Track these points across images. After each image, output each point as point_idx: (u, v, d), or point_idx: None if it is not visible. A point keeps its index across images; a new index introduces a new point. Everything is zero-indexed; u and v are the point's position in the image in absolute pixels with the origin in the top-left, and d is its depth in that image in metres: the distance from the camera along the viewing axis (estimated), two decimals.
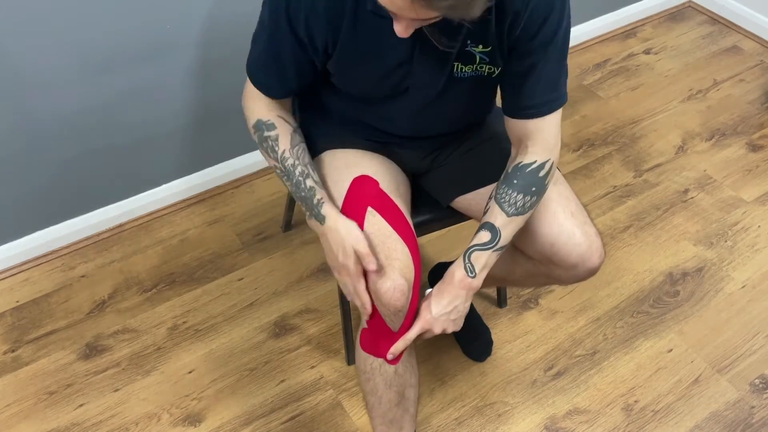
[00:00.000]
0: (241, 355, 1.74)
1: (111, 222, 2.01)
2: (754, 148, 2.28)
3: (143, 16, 1.70)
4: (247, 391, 1.67)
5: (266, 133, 1.26)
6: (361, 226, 1.20)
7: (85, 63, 1.70)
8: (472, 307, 1.75)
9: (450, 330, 1.25)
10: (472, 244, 1.22)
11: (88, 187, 1.92)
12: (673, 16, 2.83)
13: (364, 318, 1.23)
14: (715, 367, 1.71)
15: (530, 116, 1.21)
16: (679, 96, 2.47)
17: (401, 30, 1.02)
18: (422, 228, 1.43)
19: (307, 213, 1.25)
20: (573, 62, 2.58)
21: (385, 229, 1.21)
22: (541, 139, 1.22)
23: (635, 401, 1.66)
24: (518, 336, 1.78)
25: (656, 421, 1.62)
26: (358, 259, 1.17)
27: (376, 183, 1.26)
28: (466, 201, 1.41)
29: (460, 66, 1.19)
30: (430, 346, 1.74)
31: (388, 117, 1.32)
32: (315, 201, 1.22)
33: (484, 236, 1.21)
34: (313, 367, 1.72)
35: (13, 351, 1.75)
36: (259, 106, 1.27)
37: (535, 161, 1.21)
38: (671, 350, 1.75)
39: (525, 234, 1.29)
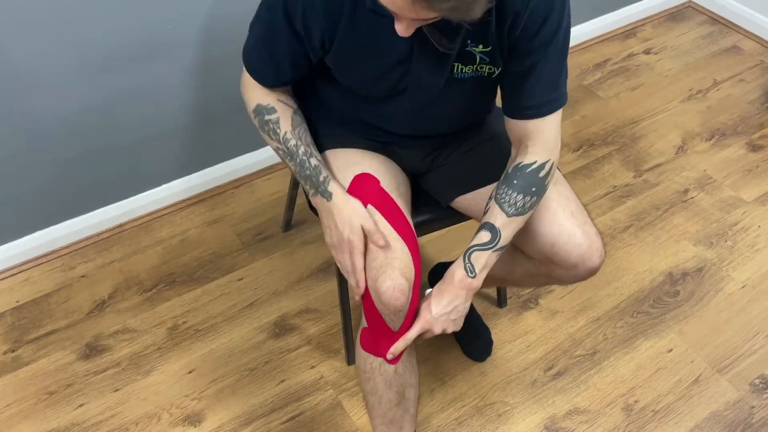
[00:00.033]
0: (241, 355, 1.74)
1: (111, 222, 2.01)
2: (754, 148, 2.28)
3: (143, 15, 1.70)
4: (247, 391, 1.67)
5: (267, 117, 1.27)
6: None
7: (85, 63, 1.70)
8: (472, 307, 1.75)
9: (450, 330, 1.25)
10: (472, 244, 1.22)
11: (88, 187, 1.92)
12: (673, 16, 2.83)
13: (357, 297, 1.23)
14: (715, 367, 1.71)
15: (530, 116, 1.21)
16: (679, 96, 2.48)
17: (402, 29, 1.02)
18: (422, 228, 1.43)
19: (312, 191, 1.26)
20: (573, 62, 2.58)
21: (385, 228, 1.21)
22: (541, 139, 1.22)
23: (635, 401, 1.66)
24: (518, 336, 1.78)
25: (656, 421, 1.62)
26: (363, 236, 1.19)
27: (377, 181, 1.26)
28: (466, 201, 1.41)
29: (460, 66, 1.19)
30: (430, 346, 1.74)
31: (388, 116, 1.32)
32: (321, 178, 1.24)
33: (484, 236, 1.21)
34: (313, 367, 1.72)
35: (13, 351, 1.75)
36: (257, 92, 1.28)
37: (535, 161, 1.21)
38: (671, 350, 1.75)
39: (525, 234, 1.29)
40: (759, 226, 2.04)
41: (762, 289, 1.88)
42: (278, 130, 1.27)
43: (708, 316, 1.82)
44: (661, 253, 1.97)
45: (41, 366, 1.72)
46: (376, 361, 1.30)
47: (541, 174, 1.22)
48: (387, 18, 1.04)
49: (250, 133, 2.10)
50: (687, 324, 1.81)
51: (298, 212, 2.00)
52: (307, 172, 1.25)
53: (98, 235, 2.00)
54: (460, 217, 1.47)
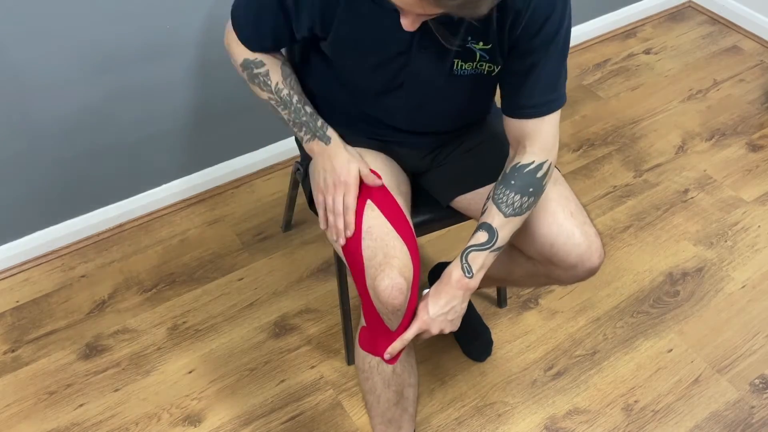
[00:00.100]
0: (241, 355, 1.74)
1: (111, 222, 2.01)
2: (754, 148, 2.28)
3: (143, 16, 1.70)
4: (247, 391, 1.67)
5: (256, 71, 1.29)
6: (360, 217, 1.21)
7: (85, 63, 1.70)
8: (471, 307, 1.75)
9: (447, 330, 1.25)
10: (469, 244, 1.22)
11: (88, 187, 1.92)
12: (673, 16, 2.83)
13: (341, 241, 1.23)
14: (715, 367, 1.71)
15: (529, 116, 1.21)
16: (679, 96, 2.47)
17: (408, 24, 1.03)
18: (422, 228, 1.43)
19: (308, 136, 1.29)
20: (573, 62, 2.58)
21: (384, 225, 1.21)
22: (539, 139, 1.22)
23: (635, 401, 1.66)
24: (518, 336, 1.78)
25: (656, 421, 1.62)
26: (359, 179, 1.23)
27: (379, 177, 1.26)
28: (465, 201, 1.41)
29: (460, 63, 1.19)
30: (429, 346, 1.74)
31: (387, 109, 1.32)
32: (319, 124, 1.28)
33: (482, 237, 1.21)
34: (313, 367, 1.72)
35: (13, 351, 1.75)
36: (243, 48, 1.29)
37: (533, 162, 1.21)
38: (671, 350, 1.75)
39: (524, 234, 1.29)
40: (759, 226, 2.04)
41: (762, 289, 1.88)
42: (269, 82, 1.29)
43: (708, 316, 1.82)
44: (661, 253, 1.97)
45: (41, 366, 1.72)
46: (375, 360, 1.30)
47: (539, 174, 1.22)
48: (386, 9, 1.04)
49: (250, 133, 2.11)
50: (687, 324, 1.80)
51: (298, 212, 2.00)
52: (304, 118, 1.28)
53: (98, 235, 2.00)
54: (459, 217, 1.47)
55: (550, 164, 1.23)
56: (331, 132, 1.28)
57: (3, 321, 1.81)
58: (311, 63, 1.35)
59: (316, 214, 1.38)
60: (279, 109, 1.30)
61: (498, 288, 1.81)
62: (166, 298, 1.86)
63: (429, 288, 1.27)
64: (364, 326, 1.29)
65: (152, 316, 1.82)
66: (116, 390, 1.68)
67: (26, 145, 1.76)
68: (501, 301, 1.84)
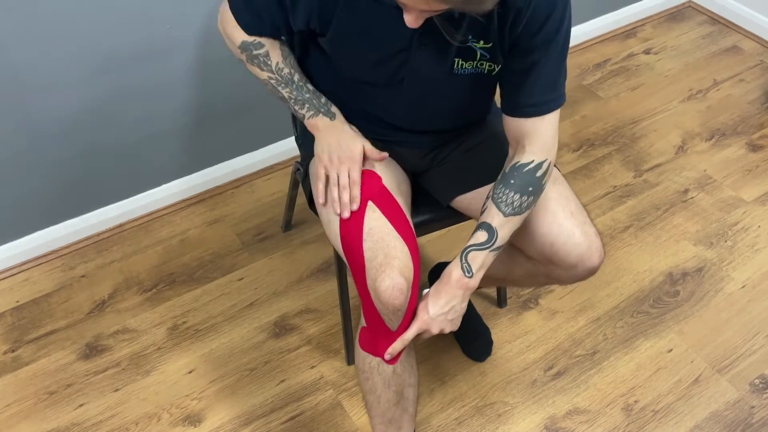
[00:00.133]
0: (241, 355, 1.74)
1: (111, 222, 2.01)
2: (754, 148, 2.28)
3: (143, 15, 1.70)
4: (247, 391, 1.67)
5: (255, 52, 1.29)
6: (361, 218, 1.21)
7: (85, 63, 1.70)
8: (471, 307, 1.75)
9: (447, 330, 1.25)
10: (468, 244, 1.22)
11: (88, 187, 1.92)
12: (673, 16, 2.83)
13: (345, 214, 1.23)
14: (715, 367, 1.71)
15: (529, 114, 1.21)
16: (679, 96, 2.47)
17: (411, 20, 1.03)
18: (422, 228, 1.43)
19: (311, 113, 1.30)
20: (573, 62, 2.58)
21: (385, 226, 1.21)
22: (538, 138, 1.22)
23: (635, 401, 1.66)
24: (518, 336, 1.78)
25: (656, 421, 1.62)
26: (363, 154, 1.26)
27: (379, 178, 1.27)
28: (466, 200, 1.41)
29: (460, 62, 1.19)
30: (429, 346, 1.74)
31: (387, 106, 1.32)
32: (323, 101, 1.30)
33: (481, 236, 1.21)
34: (313, 367, 1.72)
35: (13, 351, 1.75)
36: (241, 31, 1.29)
37: (533, 161, 1.21)
38: (671, 350, 1.75)
39: (524, 234, 1.29)
40: (759, 226, 2.04)
41: (762, 289, 1.88)
42: (269, 62, 1.29)
43: (708, 316, 1.82)
44: (661, 253, 1.97)
45: (41, 366, 1.72)
46: (375, 361, 1.30)
47: (539, 173, 1.22)
48: (386, 6, 1.04)
49: (250, 133, 2.11)
50: (687, 324, 1.80)
51: (298, 212, 2.00)
52: (307, 95, 1.29)
53: (98, 235, 2.00)
54: (460, 217, 1.47)
55: (550, 163, 1.23)
56: (334, 108, 1.30)
57: (3, 321, 1.81)
58: (311, 58, 1.35)
59: (317, 214, 1.38)
60: (279, 88, 1.31)
61: (498, 288, 1.81)
62: (166, 298, 1.86)
63: (429, 288, 1.27)
64: (364, 327, 1.29)
65: (152, 316, 1.82)
66: (116, 390, 1.68)
67: (26, 145, 1.76)
68: (501, 301, 1.84)
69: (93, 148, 1.85)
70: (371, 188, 1.25)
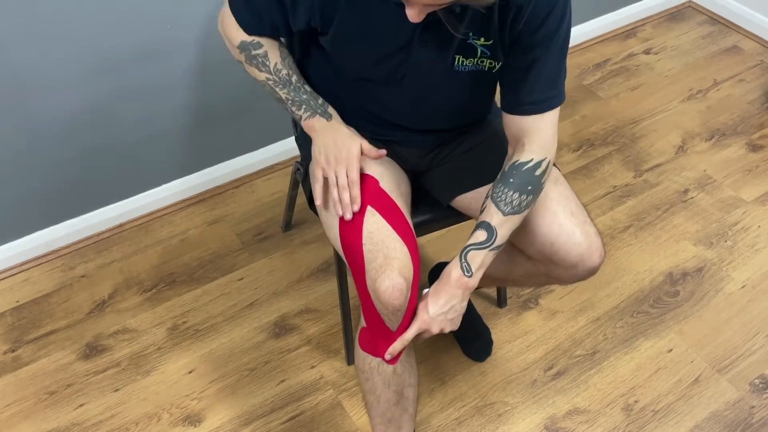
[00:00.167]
0: (241, 355, 1.74)
1: (111, 222, 2.01)
2: (754, 148, 2.28)
3: (143, 16, 1.70)
4: (247, 391, 1.67)
5: (254, 52, 1.30)
6: (360, 224, 1.21)
7: (85, 63, 1.70)
8: (471, 307, 1.75)
9: (447, 330, 1.25)
10: (468, 243, 1.22)
11: (88, 187, 1.92)
12: (673, 16, 2.83)
13: (348, 215, 1.23)
14: (715, 367, 1.71)
15: (528, 112, 1.21)
16: (679, 96, 2.47)
17: (414, 15, 1.03)
18: (422, 228, 1.43)
19: (308, 114, 1.30)
20: (573, 62, 2.58)
21: (385, 228, 1.21)
22: (538, 137, 1.22)
23: (635, 401, 1.66)
24: (518, 336, 1.78)
25: (656, 421, 1.62)
26: (360, 154, 1.24)
27: (376, 182, 1.27)
28: (466, 200, 1.41)
29: (461, 59, 1.19)
30: (429, 346, 1.74)
31: (387, 104, 1.33)
32: (320, 101, 1.30)
33: (480, 235, 1.21)
34: (313, 367, 1.72)
35: (13, 351, 1.75)
36: (241, 31, 1.30)
37: (532, 159, 1.22)
38: (671, 350, 1.75)
39: (525, 233, 1.29)
40: (759, 226, 2.04)
41: (762, 289, 1.88)
42: (268, 63, 1.30)
43: (708, 316, 1.82)
44: (661, 253, 1.97)
45: (41, 366, 1.72)
46: (375, 361, 1.30)
47: (538, 172, 1.22)
48: (389, 3, 1.04)
49: (250, 133, 2.11)
50: (687, 324, 1.80)
51: (298, 212, 2.00)
52: (304, 96, 1.30)
53: (98, 235, 2.00)
54: (460, 216, 1.47)
55: (549, 162, 1.23)
56: (331, 109, 1.30)
57: (3, 321, 1.81)
58: (312, 58, 1.35)
59: (316, 214, 1.38)
60: (277, 89, 1.31)
61: (498, 288, 1.81)
62: (166, 298, 1.86)
63: (429, 288, 1.27)
64: (364, 327, 1.29)
65: (152, 316, 1.82)
66: (116, 390, 1.68)
67: (26, 145, 1.76)
68: (501, 301, 1.84)
69: (93, 148, 1.85)
70: (369, 192, 1.25)
